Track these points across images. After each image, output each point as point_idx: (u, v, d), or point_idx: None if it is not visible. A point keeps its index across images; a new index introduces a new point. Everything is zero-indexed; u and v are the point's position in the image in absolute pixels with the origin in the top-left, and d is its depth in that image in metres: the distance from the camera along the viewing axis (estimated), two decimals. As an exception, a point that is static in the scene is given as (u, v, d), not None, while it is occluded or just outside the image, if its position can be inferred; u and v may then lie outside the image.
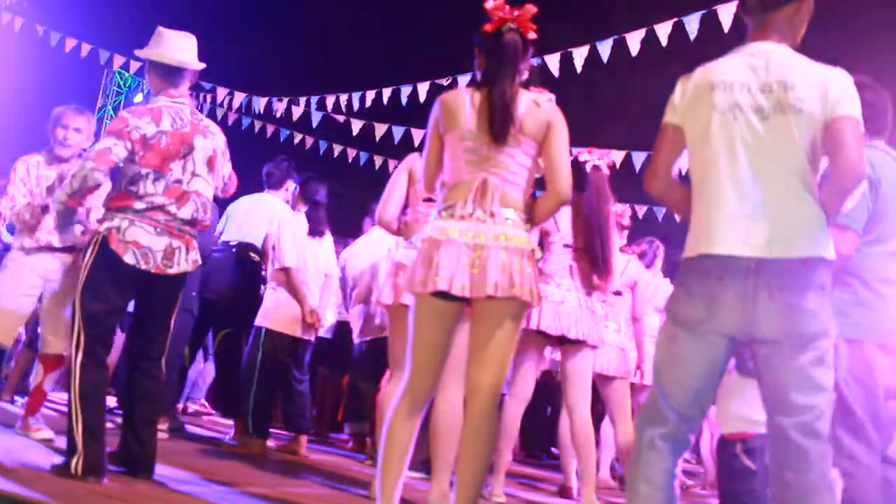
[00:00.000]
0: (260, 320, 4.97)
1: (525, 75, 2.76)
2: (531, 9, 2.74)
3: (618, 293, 5.07)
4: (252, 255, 5.33)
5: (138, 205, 3.17)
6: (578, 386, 4.23)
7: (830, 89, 2.14)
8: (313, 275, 5.07)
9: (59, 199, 3.47)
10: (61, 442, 3.85)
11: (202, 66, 3.44)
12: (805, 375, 2.11)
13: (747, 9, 2.33)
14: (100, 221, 3.27)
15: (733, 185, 2.17)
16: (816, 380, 2.11)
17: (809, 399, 2.10)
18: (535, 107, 2.68)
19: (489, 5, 2.74)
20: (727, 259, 2.13)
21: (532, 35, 2.75)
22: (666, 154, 2.32)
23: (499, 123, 2.62)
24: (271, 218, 5.31)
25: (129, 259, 3.13)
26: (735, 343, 2.19)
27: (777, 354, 2.12)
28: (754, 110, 2.18)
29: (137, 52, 3.48)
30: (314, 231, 5.10)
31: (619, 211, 5.42)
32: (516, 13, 2.73)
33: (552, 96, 2.77)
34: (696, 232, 2.24)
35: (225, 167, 3.54)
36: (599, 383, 4.79)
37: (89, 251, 3.19)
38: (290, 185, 5.60)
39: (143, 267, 3.16)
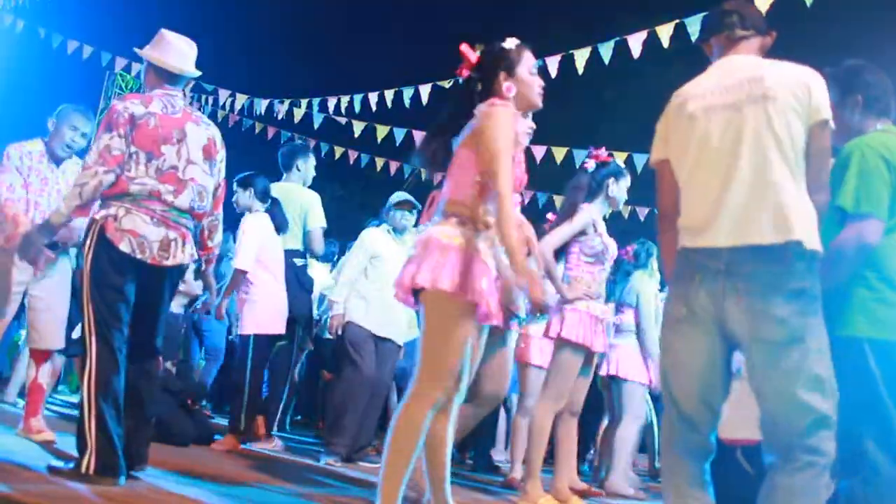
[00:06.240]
0: (248, 329, 5.01)
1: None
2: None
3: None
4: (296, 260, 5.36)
5: (133, 188, 3.17)
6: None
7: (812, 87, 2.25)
8: (280, 271, 5.14)
9: (63, 212, 3.19)
10: (62, 444, 3.86)
11: (199, 73, 3.49)
12: (787, 390, 2.13)
13: (730, 32, 2.44)
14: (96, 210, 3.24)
15: (711, 182, 2.26)
16: (798, 395, 2.12)
17: (794, 417, 2.12)
18: None
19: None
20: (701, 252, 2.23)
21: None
22: (667, 192, 2.42)
23: None
24: (299, 210, 5.38)
25: (124, 248, 3.14)
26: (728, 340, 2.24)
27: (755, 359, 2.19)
28: (728, 107, 2.27)
29: (138, 51, 3.50)
30: (282, 228, 5.20)
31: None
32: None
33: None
34: (681, 230, 2.36)
35: (221, 170, 3.53)
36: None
37: (87, 240, 3.19)
38: (302, 165, 5.61)
39: (139, 256, 3.16)
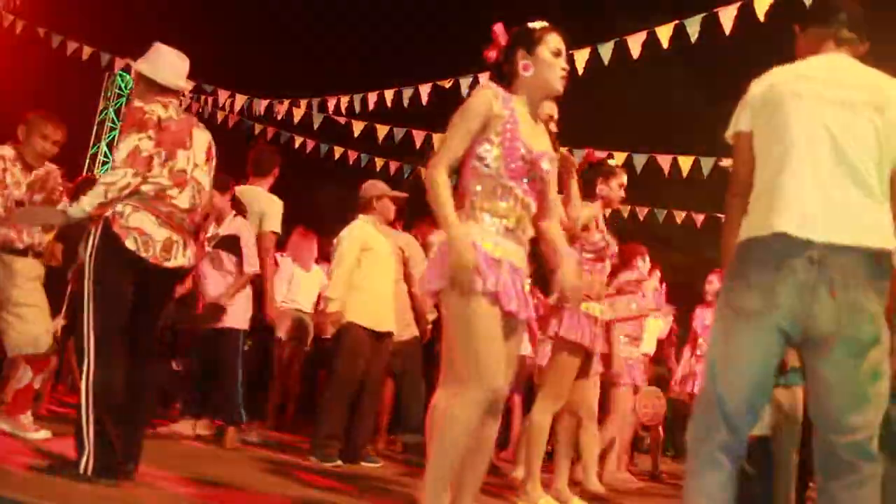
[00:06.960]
0: (238, 323, 5.11)
1: None
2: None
3: None
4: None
5: (144, 187, 3.18)
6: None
7: None
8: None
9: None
10: (61, 444, 3.85)
11: (190, 87, 3.55)
12: (860, 389, 2.10)
13: (838, 29, 2.41)
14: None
15: (812, 171, 2.19)
16: (870, 395, 2.10)
17: (860, 417, 2.09)
18: None
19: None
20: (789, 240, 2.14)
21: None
22: (746, 162, 2.33)
23: None
24: (259, 212, 5.36)
25: (130, 244, 3.14)
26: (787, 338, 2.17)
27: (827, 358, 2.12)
28: (839, 102, 2.23)
29: (132, 64, 3.56)
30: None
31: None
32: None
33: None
34: (757, 213, 2.24)
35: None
36: None
37: (91, 236, 3.18)
38: (277, 171, 5.60)
39: (143, 254, 3.16)
